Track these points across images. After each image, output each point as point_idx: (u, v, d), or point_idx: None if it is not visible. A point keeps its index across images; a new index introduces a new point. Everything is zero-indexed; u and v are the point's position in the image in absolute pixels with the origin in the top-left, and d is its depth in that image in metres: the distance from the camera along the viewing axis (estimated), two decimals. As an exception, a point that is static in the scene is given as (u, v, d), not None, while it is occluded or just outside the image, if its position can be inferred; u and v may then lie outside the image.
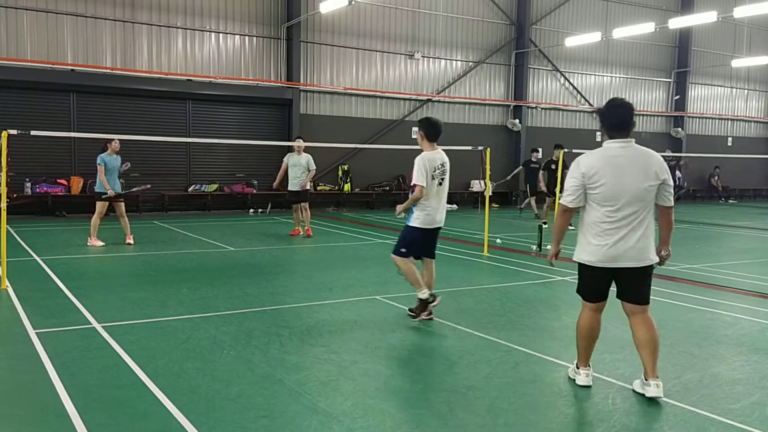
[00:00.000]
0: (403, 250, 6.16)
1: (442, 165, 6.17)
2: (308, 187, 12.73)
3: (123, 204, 11.17)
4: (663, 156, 4.81)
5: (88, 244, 10.82)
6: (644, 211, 4.25)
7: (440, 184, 6.19)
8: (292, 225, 13.40)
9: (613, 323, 6.28)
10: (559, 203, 4.55)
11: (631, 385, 4.50)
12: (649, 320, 4.35)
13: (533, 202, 17.26)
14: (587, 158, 4.34)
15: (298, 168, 12.44)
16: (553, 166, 14.67)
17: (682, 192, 24.31)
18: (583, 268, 4.47)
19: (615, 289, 4.43)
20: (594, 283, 4.41)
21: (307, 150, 12.73)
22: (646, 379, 4.31)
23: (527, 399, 4.29)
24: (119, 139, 11.36)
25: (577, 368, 4.57)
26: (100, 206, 10.84)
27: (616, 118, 4.30)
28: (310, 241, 12.27)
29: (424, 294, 6.12)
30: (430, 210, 6.17)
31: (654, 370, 4.27)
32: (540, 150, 17.82)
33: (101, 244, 10.79)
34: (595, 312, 4.49)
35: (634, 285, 4.32)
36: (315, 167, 12.72)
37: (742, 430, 3.82)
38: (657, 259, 4.37)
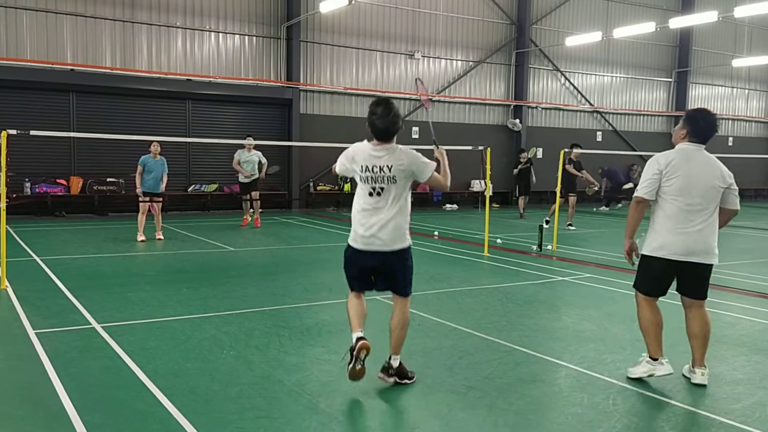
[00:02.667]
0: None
1: (378, 168, 4.35)
2: (262, 177, 14.28)
3: (159, 203, 12.08)
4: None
5: (137, 239, 11.51)
6: (713, 211, 4.52)
7: (377, 193, 4.31)
8: (293, 225, 13.41)
9: (613, 323, 6.28)
10: (633, 196, 4.74)
11: (632, 385, 4.49)
12: (704, 314, 4.71)
13: (521, 202, 17.56)
14: (666, 155, 4.59)
15: (249, 164, 13.91)
16: (573, 165, 14.72)
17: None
18: (654, 261, 4.64)
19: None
20: (664, 276, 4.65)
21: (307, 150, 12.90)
22: (693, 367, 4.64)
23: (527, 399, 4.28)
24: (120, 139, 11.60)
25: (654, 360, 4.63)
26: (141, 205, 11.74)
27: (707, 128, 4.55)
28: (310, 240, 12.26)
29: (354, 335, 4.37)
30: (355, 223, 4.48)
31: (702, 359, 4.60)
32: (527, 151, 17.87)
33: (142, 238, 11.52)
34: (654, 303, 4.77)
35: (697, 281, 4.67)
36: (266, 160, 14.23)
37: (743, 430, 3.81)
38: (717, 261, 4.65)
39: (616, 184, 22.46)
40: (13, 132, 7.32)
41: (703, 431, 3.81)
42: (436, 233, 12.96)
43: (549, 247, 11.24)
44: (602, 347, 5.46)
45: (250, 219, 14.16)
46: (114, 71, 16.39)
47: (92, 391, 4.23)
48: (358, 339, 4.22)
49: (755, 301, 7.41)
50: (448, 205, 20.60)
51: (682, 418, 3.99)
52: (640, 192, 4.61)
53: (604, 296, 7.58)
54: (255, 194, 14.07)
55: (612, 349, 5.42)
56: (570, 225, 14.69)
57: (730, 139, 28.70)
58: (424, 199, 20.95)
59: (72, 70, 15.96)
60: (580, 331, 6.00)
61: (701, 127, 4.53)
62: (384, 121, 4.41)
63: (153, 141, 11.68)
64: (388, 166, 4.29)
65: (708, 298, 4.84)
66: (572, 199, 14.92)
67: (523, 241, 12.23)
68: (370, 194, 4.29)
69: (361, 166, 4.37)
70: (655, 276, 4.66)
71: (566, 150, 12.89)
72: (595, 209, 20.95)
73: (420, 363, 4.96)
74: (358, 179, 4.41)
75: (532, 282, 8.34)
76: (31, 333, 5.52)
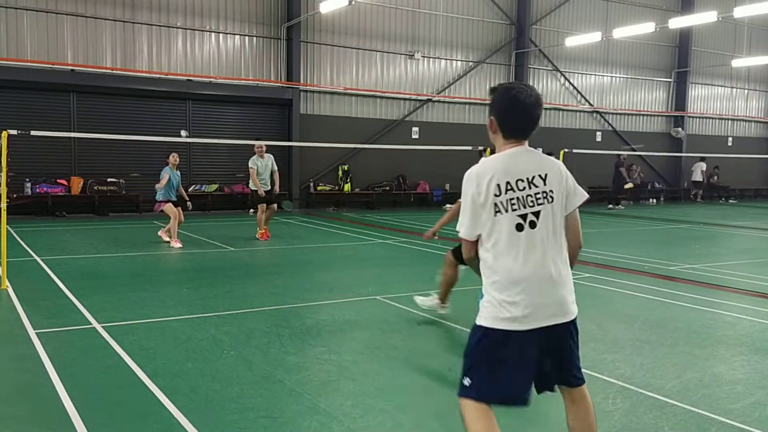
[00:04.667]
0: (466, 381, 2.93)
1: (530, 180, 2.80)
2: (276, 191, 12.70)
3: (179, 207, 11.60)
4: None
5: (171, 244, 11.05)
6: None
7: (528, 224, 2.75)
8: (293, 225, 13.39)
9: (613, 323, 6.28)
10: None
11: (631, 385, 4.50)
12: None
13: None
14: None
15: (266, 171, 12.29)
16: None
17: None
18: None
19: None
20: None
21: (307, 150, 12.74)
22: None
23: (527, 399, 4.28)
24: (120, 139, 11.52)
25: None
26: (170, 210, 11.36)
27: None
28: (311, 240, 12.25)
29: None
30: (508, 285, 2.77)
31: None
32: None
33: (179, 245, 11.00)
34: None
35: None
36: (277, 167, 12.60)
37: (743, 430, 3.82)
38: None
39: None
40: (14, 132, 7.33)
41: (702, 431, 3.81)
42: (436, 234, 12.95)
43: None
44: (602, 347, 5.47)
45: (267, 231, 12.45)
46: (114, 71, 16.39)
47: (93, 391, 4.24)
48: None
49: (755, 300, 7.42)
50: (448, 205, 20.60)
51: (682, 417, 3.99)
52: None
53: (604, 296, 7.58)
54: (274, 206, 12.44)
55: (611, 348, 5.42)
56: None
57: (730, 139, 28.71)
58: (424, 199, 20.97)
59: (72, 70, 15.97)
60: (579, 331, 6.00)
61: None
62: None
63: (172, 153, 11.73)
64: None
65: (708, 298, 4.83)
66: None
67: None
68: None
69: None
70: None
71: (572, 151, 12.91)
72: (610, 207, 21.31)
73: (420, 363, 4.97)
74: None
75: (532, 282, 8.34)
76: (32, 333, 5.53)
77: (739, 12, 18.00)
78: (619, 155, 21.77)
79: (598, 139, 24.85)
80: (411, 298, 7.10)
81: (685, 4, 25.66)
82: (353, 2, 15.82)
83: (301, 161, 18.93)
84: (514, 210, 2.72)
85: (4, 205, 7.34)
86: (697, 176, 25.63)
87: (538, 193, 2.75)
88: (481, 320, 2.79)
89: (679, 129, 23.48)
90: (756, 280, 8.66)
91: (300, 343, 5.45)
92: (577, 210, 2.88)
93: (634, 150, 23.96)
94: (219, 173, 18.16)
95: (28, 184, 15.55)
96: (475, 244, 2.82)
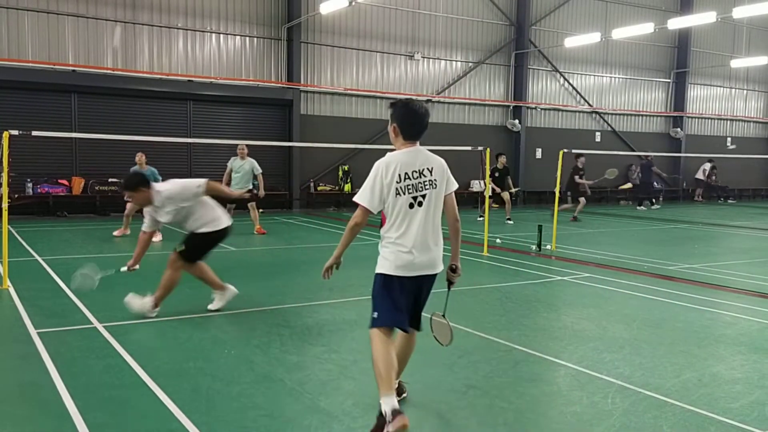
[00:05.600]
0: (374, 315, 3.79)
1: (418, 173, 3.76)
2: (261, 194, 13.06)
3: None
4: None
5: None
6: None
7: (417, 204, 3.74)
8: (293, 225, 13.40)
9: (612, 323, 6.30)
10: None
11: (630, 384, 4.52)
12: None
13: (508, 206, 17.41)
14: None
15: (241, 173, 12.74)
16: (581, 172, 16.74)
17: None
18: None
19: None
20: None
21: (308, 150, 12.80)
22: None
23: (527, 398, 4.31)
24: (121, 140, 11.73)
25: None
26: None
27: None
28: (311, 240, 12.27)
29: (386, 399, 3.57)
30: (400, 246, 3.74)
31: None
32: (504, 156, 17.48)
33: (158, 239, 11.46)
34: None
35: None
36: (261, 170, 12.96)
37: (741, 429, 3.84)
38: None
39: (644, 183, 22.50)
40: (15, 132, 7.34)
41: (701, 430, 3.83)
42: None
43: (548, 246, 11.27)
44: (601, 346, 5.49)
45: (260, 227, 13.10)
46: (115, 72, 16.42)
47: (94, 391, 4.26)
48: (396, 411, 3.48)
49: (754, 300, 7.44)
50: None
51: (681, 416, 4.01)
52: None
53: (603, 296, 7.60)
54: (252, 205, 12.98)
55: (611, 348, 5.44)
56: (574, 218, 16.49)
57: (729, 139, 28.72)
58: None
59: (74, 70, 15.99)
60: (579, 331, 6.03)
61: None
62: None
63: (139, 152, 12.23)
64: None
65: (707, 297, 4.85)
66: (582, 200, 16.67)
67: (522, 241, 12.25)
68: None
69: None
70: None
71: (571, 151, 12.92)
72: (638, 207, 21.41)
73: (419, 362, 4.99)
74: None
75: (531, 282, 8.37)
76: (33, 333, 5.54)
77: (738, 12, 18.01)
78: (646, 156, 21.88)
79: (597, 139, 24.87)
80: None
81: (684, 4, 25.69)
82: (353, 3, 15.84)
83: (302, 161, 18.95)
84: (409, 193, 3.73)
85: (5, 206, 7.36)
86: (699, 174, 25.75)
87: (426, 181, 3.75)
88: (380, 269, 3.80)
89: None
90: (755, 280, 8.68)
91: (300, 342, 5.47)
92: (453, 193, 3.91)
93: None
94: (219, 173, 18.06)
95: (30, 185, 15.57)
96: (367, 214, 3.79)
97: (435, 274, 3.88)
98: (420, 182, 3.73)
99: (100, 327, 5.79)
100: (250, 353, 5.12)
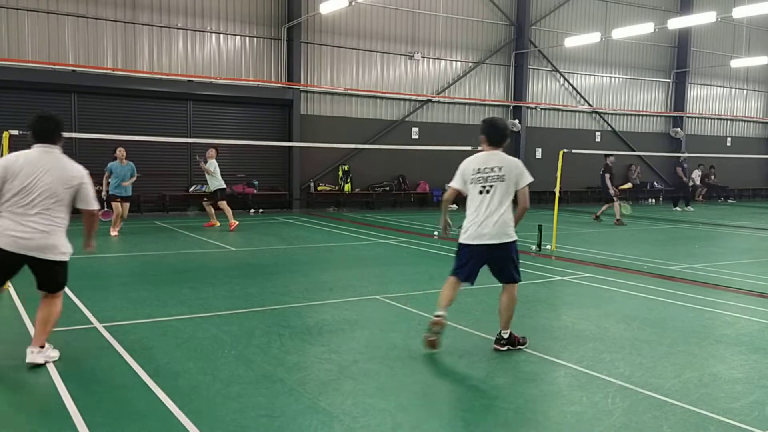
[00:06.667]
0: (452, 267, 5.35)
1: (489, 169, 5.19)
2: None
3: (127, 205, 12.63)
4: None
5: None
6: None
7: (486, 191, 5.15)
8: (293, 225, 13.40)
9: (612, 323, 6.31)
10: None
11: (630, 384, 4.52)
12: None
13: None
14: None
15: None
16: (611, 173, 16.61)
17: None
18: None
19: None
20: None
21: (308, 150, 12.87)
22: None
23: (527, 398, 4.31)
24: (121, 140, 11.82)
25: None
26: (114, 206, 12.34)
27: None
28: (311, 240, 12.27)
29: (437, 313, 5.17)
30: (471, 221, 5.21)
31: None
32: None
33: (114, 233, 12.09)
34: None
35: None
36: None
37: (742, 429, 3.84)
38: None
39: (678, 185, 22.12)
40: (15, 132, 7.36)
41: (701, 430, 3.83)
42: (435, 233, 12.99)
43: (548, 246, 11.27)
44: (601, 346, 5.49)
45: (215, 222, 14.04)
46: (115, 72, 16.41)
47: (94, 391, 4.26)
48: (437, 315, 5.11)
49: (754, 300, 7.44)
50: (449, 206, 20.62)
51: (681, 416, 4.01)
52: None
53: (603, 296, 7.60)
54: (205, 201, 14.34)
55: (611, 348, 5.44)
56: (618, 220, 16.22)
57: (729, 139, 28.73)
58: (424, 200, 20.99)
59: (73, 71, 15.99)
60: (578, 331, 6.03)
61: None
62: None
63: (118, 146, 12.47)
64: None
65: (707, 298, 4.85)
66: (616, 203, 16.41)
67: (522, 241, 12.19)
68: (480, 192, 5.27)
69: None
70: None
71: (571, 151, 12.88)
72: (677, 208, 21.17)
73: (420, 362, 4.99)
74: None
75: (531, 281, 8.37)
76: (33, 333, 5.53)
77: (738, 12, 18.00)
78: (680, 157, 21.78)
79: (598, 139, 24.87)
80: (411, 297, 7.15)
81: (684, 4, 25.69)
82: (353, 3, 15.83)
83: (302, 161, 18.95)
84: (480, 183, 5.14)
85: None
86: (697, 181, 25.58)
87: (495, 176, 5.12)
88: (461, 239, 5.24)
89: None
90: (755, 280, 8.68)
91: (300, 342, 5.47)
92: (527, 186, 5.24)
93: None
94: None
95: (29, 185, 15.55)
96: (454, 193, 5.34)
97: (500, 243, 5.09)
98: (489, 176, 5.10)
99: (100, 327, 5.79)
100: (250, 353, 5.12)
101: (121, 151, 12.33)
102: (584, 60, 24.23)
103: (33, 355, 4.70)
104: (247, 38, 18.25)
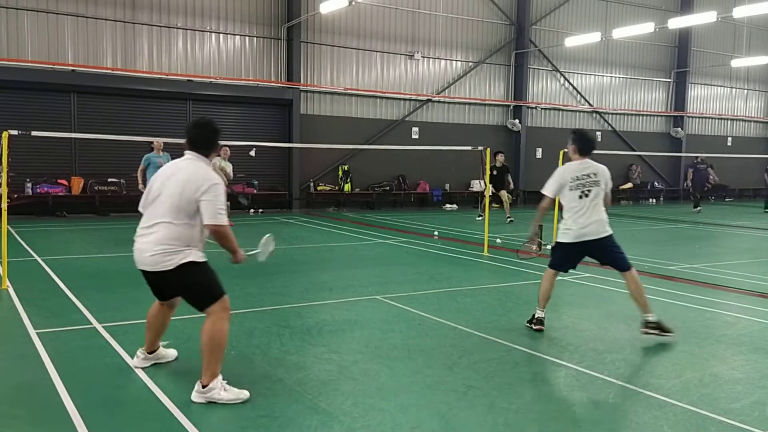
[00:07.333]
0: (551, 262, 6.09)
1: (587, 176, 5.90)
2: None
3: None
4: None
5: None
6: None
7: (585, 195, 5.81)
8: (293, 225, 13.38)
9: (613, 323, 6.30)
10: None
11: (631, 385, 4.51)
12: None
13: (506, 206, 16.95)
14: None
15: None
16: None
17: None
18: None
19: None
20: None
21: (307, 150, 12.79)
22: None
23: (527, 399, 4.30)
24: (121, 140, 11.72)
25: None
26: None
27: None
28: (311, 240, 12.27)
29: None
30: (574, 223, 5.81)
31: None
32: (502, 154, 17.16)
33: None
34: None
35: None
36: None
37: (742, 429, 3.83)
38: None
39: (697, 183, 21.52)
40: (15, 132, 7.33)
41: (701, 430, 3.82)
42: (436, 233, 12.99)
43: (548, 246, 11.23)
44: (601, 346, 5.48)
45: None
46: (115, 72, 16.41)
47: (93, 391, 4.25)
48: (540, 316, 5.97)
49: (754, 300, 7.43)
50: (447, 205, 20.60)
51: (681, 417, 4.00)
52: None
53: (604, 296, 7.60)
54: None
55: (611, 348, 5.43)
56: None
57: (729, 139, 28.73)
58: (424, 199, 20.98)
59: (73, 70, 15.99)
60: (579, 331, 6.02)
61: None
62: None
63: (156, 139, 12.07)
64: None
65: (708, 297, 4.84)
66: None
67: (522, 241, 12.21)
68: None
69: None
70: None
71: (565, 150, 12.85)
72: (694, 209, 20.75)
73: (420, 362, 4.98)
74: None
75: (531, 282, 8.35)
76: (33, 333, 5.54)
77: (739, 12, 18.01)
78: (696, 157, 21.34)
79: (598, 139, 24.83)
80: (411, 297, 7.14)
81: (684, 4, 25.68)
82: (353, 3, 15.83)
83: (302, 161, 18.95)
84: (579, 189, 5.78)
85: (5, 206, 7.35)
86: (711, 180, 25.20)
87: (591, 181, 5.81)
88: (560, 239, 5.88)
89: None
90: (755, 280, 8.67)
91: (300, 342, 5.47)
92: (610, 189, 5.91)
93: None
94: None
95: (29, 185, 15.57)
96: (551, 201, 5.99)
97: (601, 238, 5.72)
98: (587, 182, 5.81)
99: (99, 327, 5.78)
100: (250, 353, 5.11)
101: (158, 142, 12.19)
102: (584, 60, 24.22)
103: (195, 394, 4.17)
104: (247, 38, 18.25)
